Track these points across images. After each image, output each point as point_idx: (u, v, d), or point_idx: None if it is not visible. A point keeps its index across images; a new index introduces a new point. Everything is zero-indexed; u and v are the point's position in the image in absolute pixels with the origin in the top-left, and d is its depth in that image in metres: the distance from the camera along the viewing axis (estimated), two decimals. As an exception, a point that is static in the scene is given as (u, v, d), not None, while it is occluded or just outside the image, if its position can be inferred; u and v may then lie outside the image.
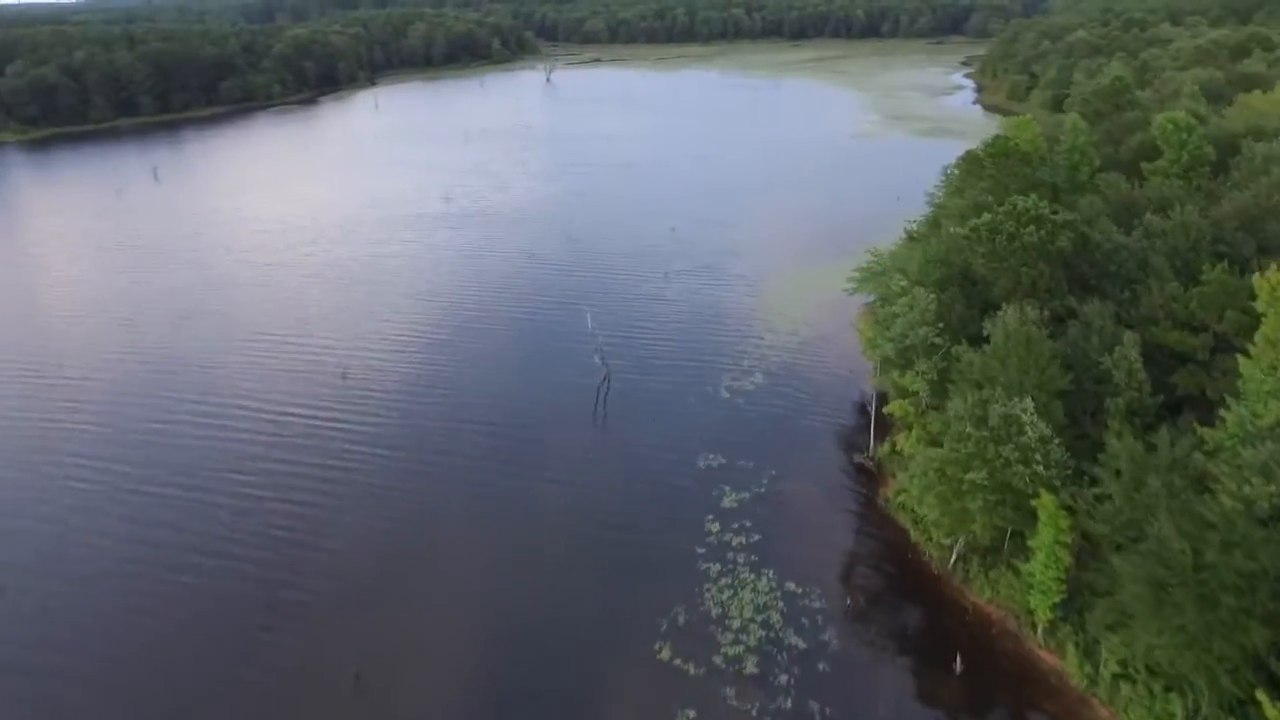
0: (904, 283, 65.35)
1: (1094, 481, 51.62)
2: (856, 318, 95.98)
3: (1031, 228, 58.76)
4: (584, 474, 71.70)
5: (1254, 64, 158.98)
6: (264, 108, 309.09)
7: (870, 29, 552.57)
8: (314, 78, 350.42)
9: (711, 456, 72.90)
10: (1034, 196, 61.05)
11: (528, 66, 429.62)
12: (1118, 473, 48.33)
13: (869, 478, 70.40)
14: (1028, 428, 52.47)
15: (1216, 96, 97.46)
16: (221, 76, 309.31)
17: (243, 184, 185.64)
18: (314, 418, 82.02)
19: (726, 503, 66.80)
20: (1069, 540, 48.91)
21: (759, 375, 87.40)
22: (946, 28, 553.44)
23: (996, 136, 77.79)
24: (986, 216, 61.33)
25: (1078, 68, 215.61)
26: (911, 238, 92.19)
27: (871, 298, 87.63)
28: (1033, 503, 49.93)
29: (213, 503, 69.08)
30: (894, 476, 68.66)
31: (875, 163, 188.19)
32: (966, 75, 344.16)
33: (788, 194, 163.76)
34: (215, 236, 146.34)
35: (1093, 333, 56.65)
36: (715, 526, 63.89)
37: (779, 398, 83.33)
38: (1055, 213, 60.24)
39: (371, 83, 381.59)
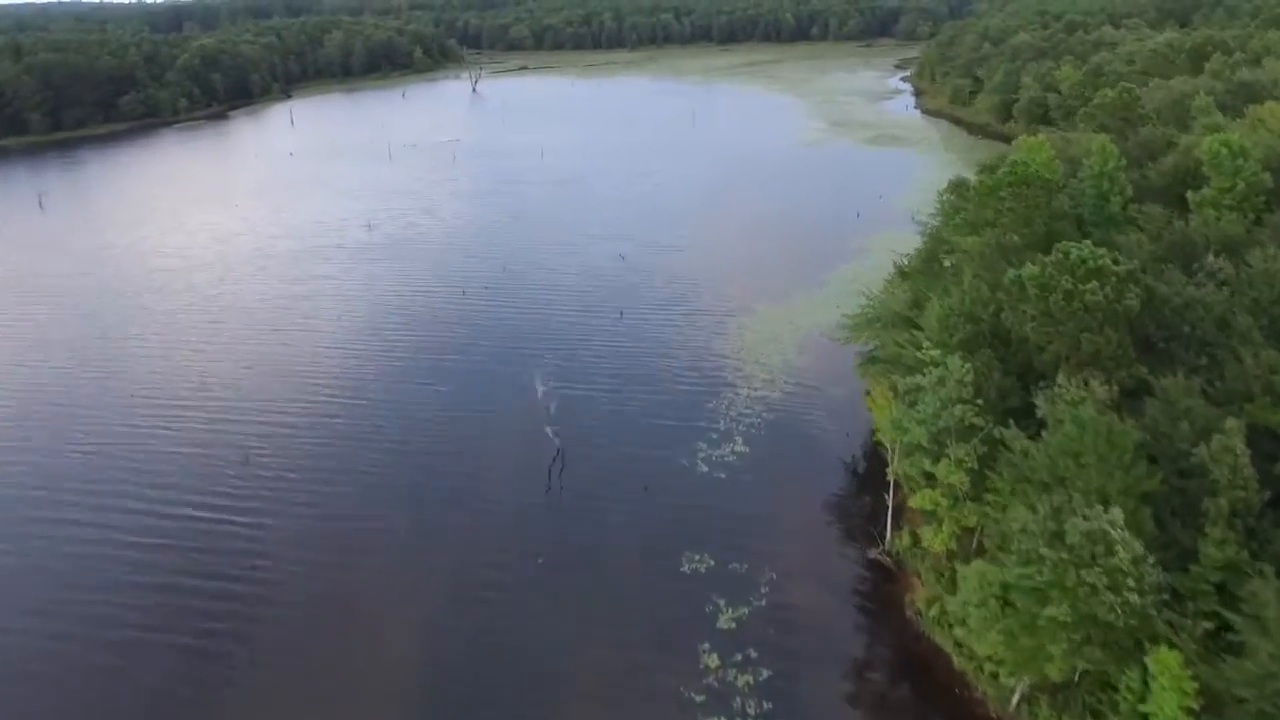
0: (934, 351, 53.57)
1: (1205, 614, 40.64)
2: (866, 385, 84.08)
3: (1093, 284, 47.53)
4: (536, 595, 58.01)
5: (1214, 69, 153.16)
6: (169, 124, 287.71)
7: (799, 32, 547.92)
8: (224, 91, 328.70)
9: (696, 557, 60.17)
10: (1088, 244, 49.81)
11: (452, 76, 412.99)
12: (1257, 619, 37.12)
13: (887, 577, 58.59)
14: (1118, 546, 41.07)
15: (1220, 108, 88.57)
16: (121, 91, 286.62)
17: (141, 213, 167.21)
18: (209, 516, 67.19)
19: (723, 623, 54.23)
20: (1195, 706, 37.59)
21: (739, 440, 75.11)
22: (875, 30, 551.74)
23: (1012, 161, 66.66)
24: (1033, 269, 49.92)
25: (1025, 71, 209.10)
26: (903, 273, 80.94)
27: (868, 346, 76.20)
28: (1146, 658, 38.53)
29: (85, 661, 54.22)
30: (919, 578, 56.97)
31: (826, 174, 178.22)
32: (903, 79, 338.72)
33: (742, 210, 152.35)
34: (106, 277, 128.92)
35: (1179, 415, 45.59)
36: (713, 660, 51.24)
37: (766, 470, 71.07)
38: (1117, 262, 49.12)
39: (287, 95, 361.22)
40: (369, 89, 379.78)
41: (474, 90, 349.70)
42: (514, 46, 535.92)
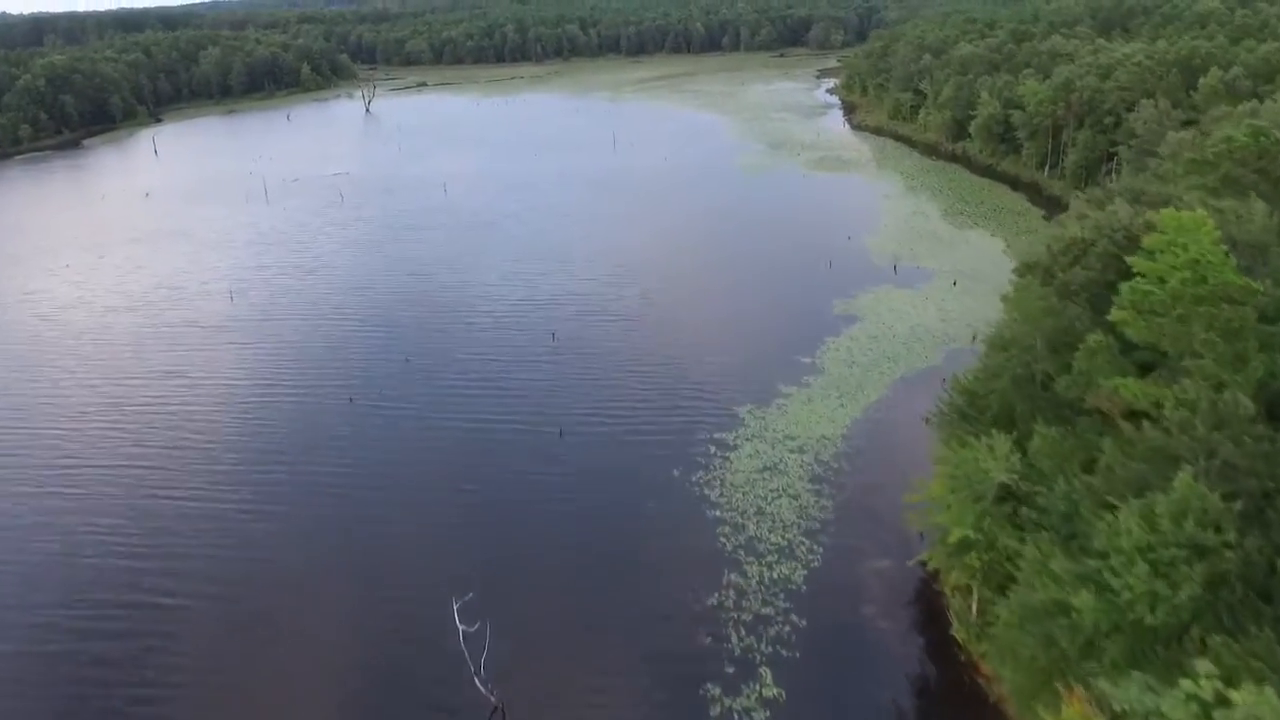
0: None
1: None
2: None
3: None
4: None
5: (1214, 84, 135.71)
6: (7, 156, 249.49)
7: (710, 43, 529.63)
8: (78, 115, 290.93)
9: None
10: None
11: (344, 94, 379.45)
12: None
13: None
14: None
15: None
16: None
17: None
18: None
19: None
20: None
21: (767, 676, 49.49)
22: (787, 40, 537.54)
23: (1184, 256, 42.82)
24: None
25: (980, 85, 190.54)
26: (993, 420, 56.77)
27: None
28: None
29: None
30: None
31: (780, 209, 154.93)
32: (829, 91, 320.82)
33: (691, 263, 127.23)
34: None
35: None
36: None
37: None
38: None
39: (155, 119, 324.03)
40: (250, 111, 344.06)
41: (367, 111, 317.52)
42: (411, 61, 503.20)
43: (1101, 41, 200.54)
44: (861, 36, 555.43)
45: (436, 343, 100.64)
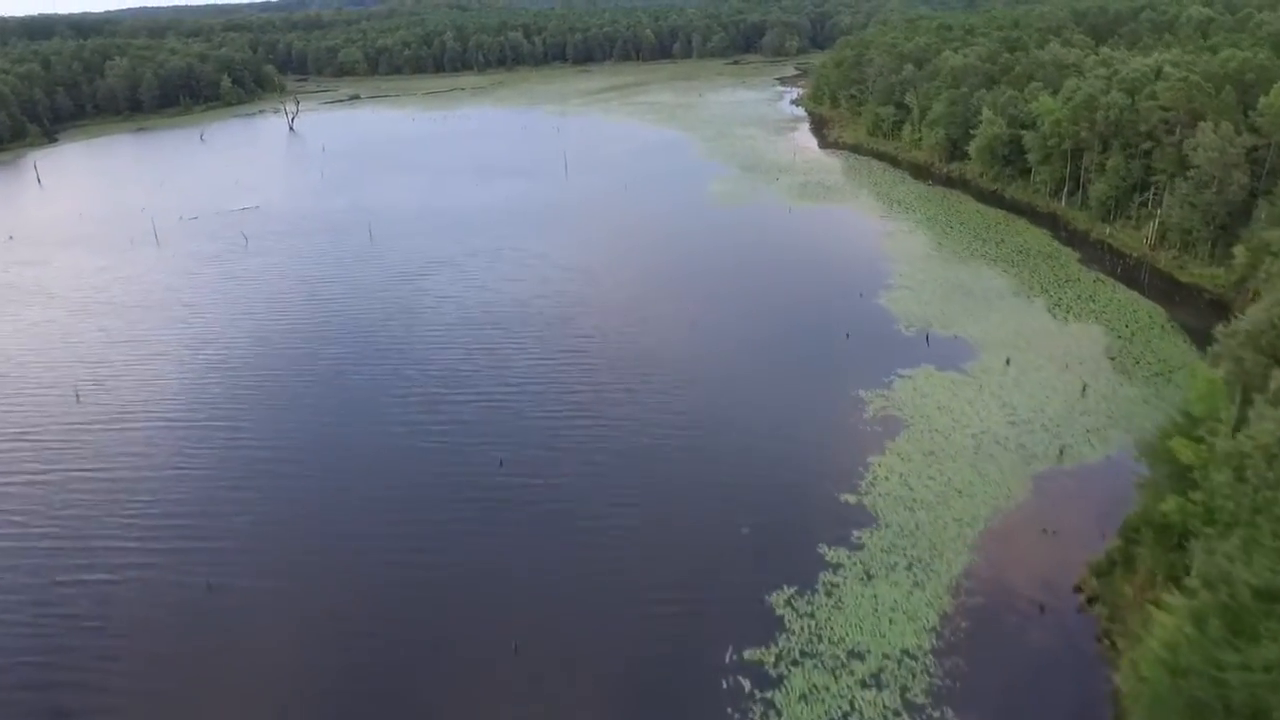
0: None
1: None
2: None
3: None
4: None
5: None
6: None
7: (661, 50, 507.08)
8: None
9: None
10: None
11: (269, 109, 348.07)
12: None
13: None
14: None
15: None
16: None
17: None
18: None
19: None
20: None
21: None
22: (740, 46, 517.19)
23: None
24: None
25: (980, 100, 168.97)
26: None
27: None
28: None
29: None
30: None
31: (770, 255, 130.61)
32: (793, 102, 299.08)
33: (676, 335, 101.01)
34: None
35: None
36: None
37: None
38: None
39: (50, 139, 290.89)
40: (161, 129, 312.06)
41: (291, 129, 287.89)
42: (345, 72, 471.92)
43: (1107, 51, 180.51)
44: (816, 43, 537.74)
45: (345, 479, 74.21)
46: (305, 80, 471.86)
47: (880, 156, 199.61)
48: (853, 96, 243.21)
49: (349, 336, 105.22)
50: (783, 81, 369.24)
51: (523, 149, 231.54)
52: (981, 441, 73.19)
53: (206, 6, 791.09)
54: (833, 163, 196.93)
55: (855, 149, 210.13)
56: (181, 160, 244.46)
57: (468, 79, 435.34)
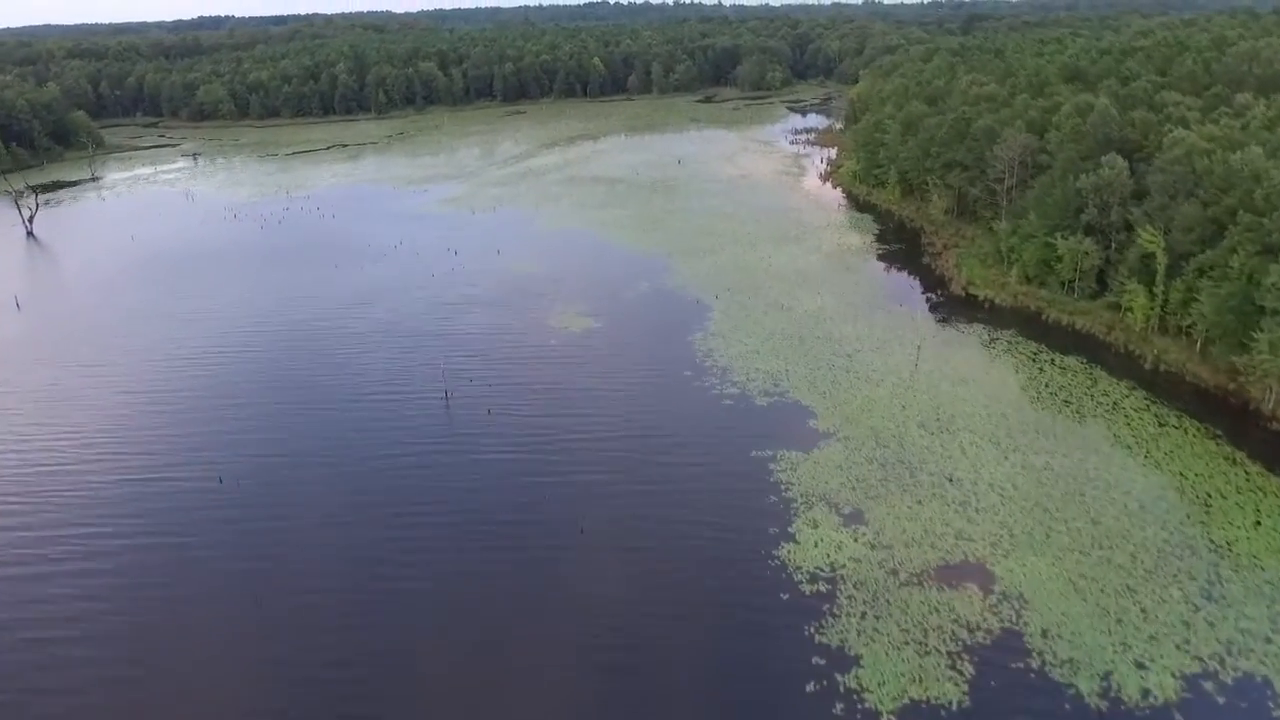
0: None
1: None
2: None
3: None
4: None
5: None
6: None
7: (613, 83, 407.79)
8: None
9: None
10: None
11: (83, 168, 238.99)
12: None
13: None
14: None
15: None
16: None
17: None
18: None
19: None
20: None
21: None
22: (709, 78, 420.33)
23: None
24: None
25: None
26: None
27: None
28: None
29: None
30: None
31: None
32: (828, 175, 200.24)
33: None
34: None
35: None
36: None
37: None
38: None
39: None
40: None
41: (30, 234, 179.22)
42: (205, 115, 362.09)
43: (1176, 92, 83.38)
44: (798, 72, 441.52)
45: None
46: (154, 126, 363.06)
47: (1074, 339, 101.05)
48: (949, 187, 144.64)
49: None
50: (793, 132, 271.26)
51: (418, 277, 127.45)
52: None
53: (72, 26, 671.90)
54: (919, 315, 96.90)
55: (1021, 317, 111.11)
56: None
57: (360, 127, 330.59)
